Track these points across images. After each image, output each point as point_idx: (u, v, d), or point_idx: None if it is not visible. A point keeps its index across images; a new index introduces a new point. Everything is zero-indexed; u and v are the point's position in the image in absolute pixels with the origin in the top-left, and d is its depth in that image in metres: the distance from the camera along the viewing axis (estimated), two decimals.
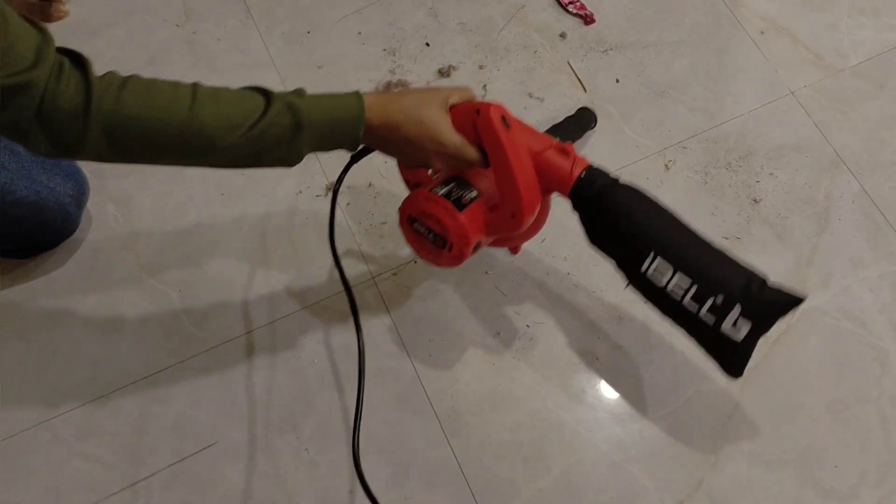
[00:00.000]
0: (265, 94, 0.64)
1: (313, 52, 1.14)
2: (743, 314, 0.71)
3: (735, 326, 0.72)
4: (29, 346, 0.95)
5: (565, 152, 0.76)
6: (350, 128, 0.67)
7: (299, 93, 0.65)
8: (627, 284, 0.78)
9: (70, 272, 0.99)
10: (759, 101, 1.09)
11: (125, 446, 0.90)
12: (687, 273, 0.72)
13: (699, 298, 0.72)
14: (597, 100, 1.10)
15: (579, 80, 1.11)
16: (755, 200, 1.03)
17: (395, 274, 0.99)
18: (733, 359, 0.77)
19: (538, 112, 1.09)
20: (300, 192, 1.04)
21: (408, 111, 0.69)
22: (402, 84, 1.10)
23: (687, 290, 0.72)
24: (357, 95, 0.67)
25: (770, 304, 0.72)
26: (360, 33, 1.15)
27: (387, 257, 1.00)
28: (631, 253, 0.75)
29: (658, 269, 0.73)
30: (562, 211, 1.02)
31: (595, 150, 1.06)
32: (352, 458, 0.88)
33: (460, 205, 0.75)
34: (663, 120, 1.08)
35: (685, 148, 1.06)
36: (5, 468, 0.89)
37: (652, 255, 0.73)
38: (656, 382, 0.93)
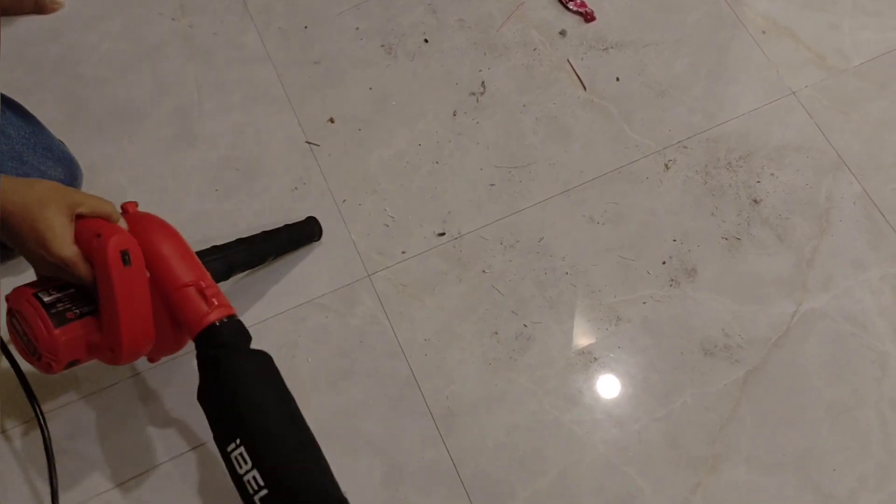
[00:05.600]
0: None
1: (310, 48, 1.13)
2: None
3: None
4: None
5: (205, 296, 0.69)
6: None
7: None
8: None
9: None
10: (761, 101, 1.09)
11: (115, 444, 0.89)
12: (262, 474, 0.65)
13: None
14: (597, 98, 1.09)
15: (579, 78, 1.10)
16: (755, 201, 1.02)
17: (390, 271, 0.98)
18: None
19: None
20: (296, 188, 1.03)
21: (24, 205, 0.62)
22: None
23: (258, 491, 0.65)
24: None
25: None
26: (357, 29, 1.14)
27: (382, 254, 0.99)
28: (222, 428, 0.69)
29: (241, 456, 0.66)
30: (559, 210, 1.02)
31: (595, 150, 1.05)
32: (346, 458, 0.87)
33: (62, 319, 0.66)
34: (664, 119, 1.07)
35: (685, 147, 1.05)
36: None
37: (238, 441, 0.67)
38: (654, 384, 0.92)
